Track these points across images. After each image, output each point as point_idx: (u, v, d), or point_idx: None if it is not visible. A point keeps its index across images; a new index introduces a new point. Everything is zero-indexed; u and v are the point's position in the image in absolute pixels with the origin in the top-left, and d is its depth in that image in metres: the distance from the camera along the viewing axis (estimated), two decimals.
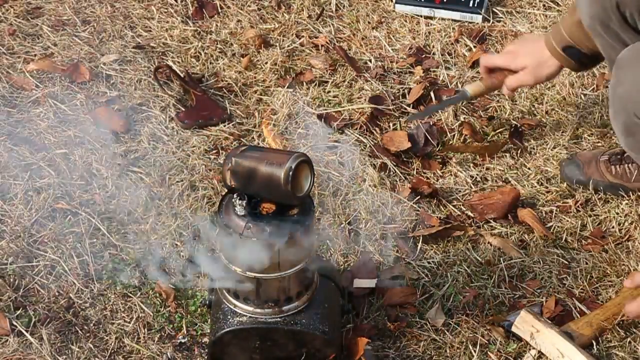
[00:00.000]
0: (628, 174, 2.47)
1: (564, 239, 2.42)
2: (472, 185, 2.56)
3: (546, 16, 3.17)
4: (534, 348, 2.11)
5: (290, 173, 1.77)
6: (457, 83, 2.90)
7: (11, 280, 2.26)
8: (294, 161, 1.78)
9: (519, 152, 2.66)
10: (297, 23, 3.12)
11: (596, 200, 2.51)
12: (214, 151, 2.64)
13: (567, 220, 2.46)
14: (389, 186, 2.53)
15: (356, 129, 2.72)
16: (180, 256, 2.31)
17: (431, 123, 2.72)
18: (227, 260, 1.90)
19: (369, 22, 3.12)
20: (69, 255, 2.32)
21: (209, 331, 2.09)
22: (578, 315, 2.21)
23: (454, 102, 2.71)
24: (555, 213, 2.48)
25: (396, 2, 3.18)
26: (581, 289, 2.29)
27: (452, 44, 3.07)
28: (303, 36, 3.07)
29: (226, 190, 1.91)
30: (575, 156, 2.56)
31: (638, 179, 2.48)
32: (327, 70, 2.93)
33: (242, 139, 2.66)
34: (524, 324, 2.11)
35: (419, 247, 2.37)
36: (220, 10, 3.19)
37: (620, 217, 2.47)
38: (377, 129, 2.73)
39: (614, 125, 2.14)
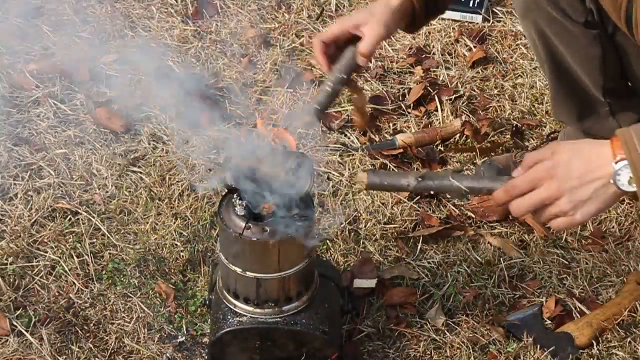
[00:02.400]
0: None
1: (564, 239, 2.42)
2: None
3: None
4: None
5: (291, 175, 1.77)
6: (457, 83, 2.90)
7: (11, 280, 2.26)
8: (295, 164, 1.77)
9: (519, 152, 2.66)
10: (297, 23, 3.12)
11: None
12: (214, 151, 2.64)
13: None
14: None
15: (355, 129, 2.72)
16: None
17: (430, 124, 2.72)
18: (227, 260, 1.90)
19: None
20: (69, 255, 2.32)
21: (209, 331, 2.09)
22: (578, 315, 2.21)
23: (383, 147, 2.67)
24: None
25: None
26: (581, 289, 2.29)
27: (452, 44, 3.07)
28: (303, 36, 3.07)
29: (226, 190, 1.91)
30: (493, 160, 2.54)
31: None
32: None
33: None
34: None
35: (419, 247, 2.37)
36: (220, 10, 3.19)
37: (620, 217, 2.47)
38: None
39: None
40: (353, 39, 1.99)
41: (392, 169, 2.58)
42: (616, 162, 1.57)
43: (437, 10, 2.09)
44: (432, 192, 2.47)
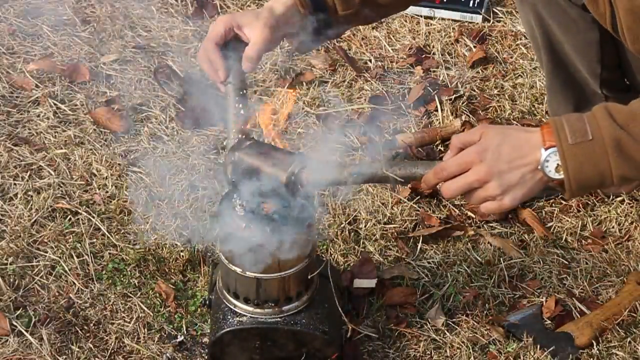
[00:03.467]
0: None
1: (564, 239, 2.42)
2: None
3: None
4: None
5: (293, 178, 1.76)
6: (457, 83, 2.90)
7: (11, 280, 2.26)
8: (298, 166, 1.76)
9: None
10: None
11: (596, 200, 2.51)
12: (214, 151, 2.64)
13: (567, 220, 2.46)
14: (389, 186, 2.53)
15: (355, 129, 2.72)
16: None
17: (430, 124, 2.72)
18: (227, 260, 1.90)
19: None
20: (69, 255, 2.32)
21: (209, 331, 2.09)
22: (578, 315, 2.21)
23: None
24: (556, 213, 2.48)
25: None
26: (581, 289, 2.29)
27: (452, 44, 3.07)
28: None
29: (226, 190, 1.91)
30: None
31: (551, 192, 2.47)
32: (327, 70, 2.93)
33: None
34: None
35: (419, 247, 2.37)
36: (220, 10, 3.19)
37: (621, 217, 2.47)
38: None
39: None
40: (229, 43, 1.89)
41: None
42: (545, 149, 1.59)
43: (330, 32, 1.96)
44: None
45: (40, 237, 2.37)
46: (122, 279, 2.28)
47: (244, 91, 1.88)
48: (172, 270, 2.29)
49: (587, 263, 2.35)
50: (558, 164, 1.58)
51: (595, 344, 2.14)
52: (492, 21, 3.17)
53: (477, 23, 3.16)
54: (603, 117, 1.58)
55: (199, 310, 2.20)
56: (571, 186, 1.59)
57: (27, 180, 2.52)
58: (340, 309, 2.02)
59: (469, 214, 2.47)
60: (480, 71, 2.97)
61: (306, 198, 1.85)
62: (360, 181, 1.73)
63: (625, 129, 1.57)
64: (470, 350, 2.12)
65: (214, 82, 1.90)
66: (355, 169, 1.71)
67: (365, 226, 2.42)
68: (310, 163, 1.77)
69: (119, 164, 2.57)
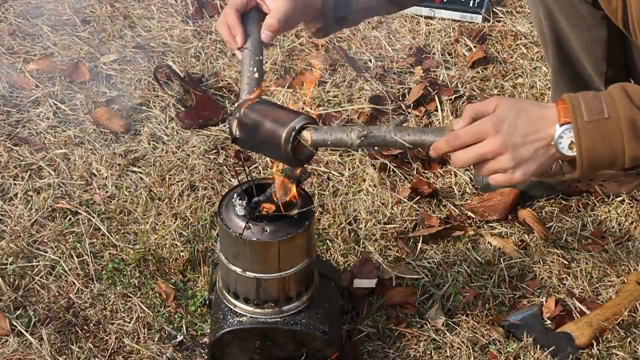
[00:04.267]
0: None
1: (564, 239, 2.42)
2: (472, 187, 2.55)
3: None
4: None
5: (293, 133, 1.70)
6: (457, 83, 2.90)
7: (11, 280, 2.26)
8: (300, 122, 1.71)
9: None
10: None
11: (596, 200, 2.51)
12: (214, 151, 2.64)
13: (567, 220, 2.46)
14: (389, 186, 2.53)
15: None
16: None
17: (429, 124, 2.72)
18: (227, 260, 1.90)
19: (368, 22, 3.12)
20: (69, 255, 2.32)
21: (209, 331, 2.09)
22: (578, 315, 2.21)
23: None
24: (556, 213, 2.48)
25: None
26: (581, 289, 2.29)
27: (452, 44, 3.08)
28: (303, 36, 3.07)
29: (227, 190, 1.91)
30: None
31: (557, 172, 2.46)
32: (327, 70, 2.93)
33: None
34: None
35: (419, 247, 2.37)
36: (220, 10, 3.19)
37: (621, 217, 2.47)
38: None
39: None
40: (249, 11, 1.87)
41: (392, 169, 2.58)
42: (560, 125, 1.59)
43: (348, 19, 1.99)
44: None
45: (40, 237, 2.37)
46: (122, 279, 2.28)
47: (260, 57, 1.86)
48: (172, 270, 2.29)
49: (587, 263, 2.35)
50: (572, 141, 1.58)
51: (595, 344, 2.14)
52: (492, 21, 3.17)
53: (477, 23, 3.16)
54: (620, 97, 1.58)
55: (199, 310, 2.20)
56: (582, 164, 1.59)
57: (27, 180, 2.52)
58: (340, 309, 2.02)
59: (469, 214, 2.47)
60: (480, 71, 2.97)
61: (308, 159, 1.78)
62: (367, 144, 1.68)
63: None
64: (470, 350, 2.12)
65: (231, 49, 1.89)
66: (362, 131, 1.66)
67: (365, 226, 2.42)
68: (314, 121, 1.73)
69: (119, 164, 2.57)
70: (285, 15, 1.85)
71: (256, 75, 1.84)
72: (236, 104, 1.81)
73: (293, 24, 1.94)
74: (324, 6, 1.92)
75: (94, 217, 2.41)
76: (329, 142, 1.70)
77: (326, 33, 2.02)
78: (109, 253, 2.33)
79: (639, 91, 1.59)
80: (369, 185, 2.53)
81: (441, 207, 2.50)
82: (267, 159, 2.35)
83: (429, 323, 2.19)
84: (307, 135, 1.70)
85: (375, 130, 1.67)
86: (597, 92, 1.61)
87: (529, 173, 1.61)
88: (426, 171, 2.60)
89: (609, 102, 1.58)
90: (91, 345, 2.13)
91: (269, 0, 1.86)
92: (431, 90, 2.85)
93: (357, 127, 1.69)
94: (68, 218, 2.42)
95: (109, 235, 2.37)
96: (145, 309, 2.21)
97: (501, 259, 2.34)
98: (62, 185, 2.52)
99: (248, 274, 1.88)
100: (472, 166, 1.65)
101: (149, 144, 2.66)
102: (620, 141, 1.57)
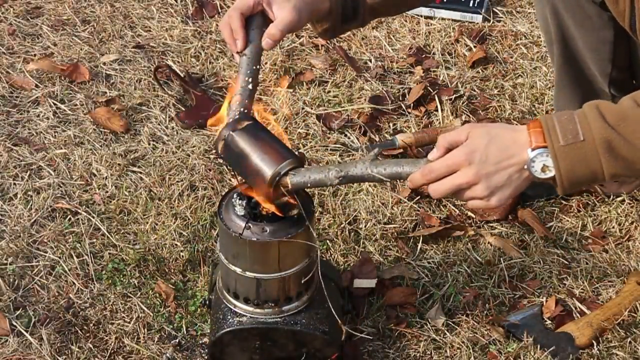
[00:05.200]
0: None
1: (564, 239, 2.41)
2: None
3: None
4: None
5: (277, 178, 1.73)
6: (457, 83, 2.90)
7: (11, 280, 2.26)
8: (286, 167, 1.73)
9: None
10: None
11: (596, 200, 2.51)
12: (214, 151, 2.64)
13: (567, 220, 2.46)
14: (389, 186, 2.53)
15: (355, 129, 2.72)
16: None
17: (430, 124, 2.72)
18: (227, 260, 1.90)
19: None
20: (69, 255, 2.32)
21: (209, 331, 2.08)
22: (578, 315, 2.21)
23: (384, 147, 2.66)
24: (556, 213, 2.48)
25: None
26: (581, 289, 2.29)
27: (452, 44, 3.07)
28: (303, 36, 3.07)
29: (227, 190, 1.91)
30: None
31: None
32: (327, 70, 2.93)
33: None
34: None
35: (419, 247, 2.37)
36: (220, 10, 3.19)
37: (621, 217, 2.47)
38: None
39: None
40: (253, 16, 1.87)
41: None
42: (532, 150, 1.60)
43: (356, 19, 1.99)
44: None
45: (40, 237, 2.37)
46: (122, 279, 2.28)
47: (257, 67, 1.87)
48: (172, 270, 2.29)
49: (587, 263, 2.35)
50: (544, 165, 1.60)
51: (595, 344, 2.14)
52: (492, 21, 3.17)
53: (477, 23, 3.16)
54: (594, 118, 1.59)
55: (199, 310, 2.20)
56: (563, 184, 1.61)
57: (27, 180, 2.52)
58: (340, 308, 2.02)
59: (469, 214, 2.47)
60: (480, 71, 2.97)
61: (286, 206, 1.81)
62: (346, 182, 1.72)
63: (615, 129, 1.58)
64: (470, 351, 2.12)
65: (231, 51, 1.89)
66: (340, 171, 1.70)
67: (365, 226, 2.42)
68: (300, 163, 1.75)
69: (118, 164, 2.57)
70: (289, 26, 1.85)
71: (250, 86, 1.85)
72: (225, 122, 1.81)
73: (296, 30, 1.94)
74: (331, 9, 1.93)
75: (93, 217, 2.41)
76: (309, 185, 1.73)
77: (333, 34, 2.03)
78: (109, 253, 2.33)
79: (612, 110, 1.60)
80: (369, 185, 2.53)
81: (441, 207, 2.50)
82: None
83: (429, 323, 2.19)
84: (286, 180, 1.73)
85: (352, 169, 1.70)
86: (572, 112, 1.62)
87: (504, 198, 1.64)
88: None
89: (584, 123, 1.59)
90: (91, 345, 2.13)
91: (275, 8, 1.86)
92: (431, 90, 2.85)
93: (334, 167, 1.72)
94: (68, 218, 2.42)
95: (109, 235, 2.37)
96: (145, 309, 2.21)
97: (501, 259, 2.34)
98: (62, 185, 2.51)
99: (248, 274, 1.88)
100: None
101: (149, 144, 2.66)
102: (597, 161, 1.59)
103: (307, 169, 1.74)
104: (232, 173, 1.80)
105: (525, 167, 1.61)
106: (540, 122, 1.61)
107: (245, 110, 1.82)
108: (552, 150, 1.58)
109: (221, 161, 1.80)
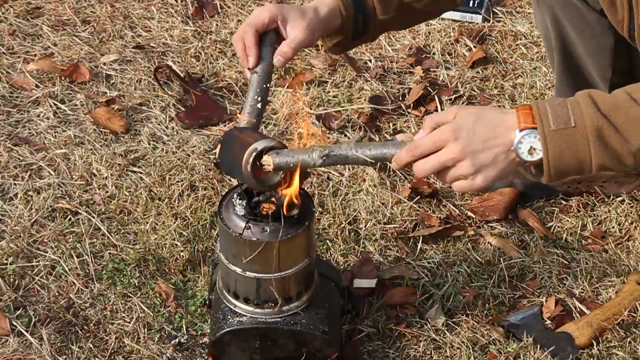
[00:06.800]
0: None
1: (564, 239, 2.42)
2: None
3: None
4: None
5: (254, 154, 1.71)
6: (457, 83, 2.91)
7: (11, 280, 2.26)
8: (262, 144, 1.72)
9: None
10: None
11: (596, 200, 2.51)
12: (214, 151, 2.63)
13: (567, 220, 2.46)
14: (389, 186, 2.53)
15: (355, 129, 2.72)
16: None
17: None
18: (227, 260, 1.90)
19: None
20: (69, 255, 2.32)
21: (209, 331, 2.09)
22: (578, 315, 2.21)
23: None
24: (556, 213, 2.48)
25: None
26: (581, 289, 2.29)
27: (452, 44, 3.08)
28: None
29: (227, 190, 1.91)
30: None
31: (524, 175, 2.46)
32: (327, 70, 2.94)
33: None
34: None
35: (419, 247, 2.37)
36: (220, 10, 3.19)
37: (621, 217, 2.47)
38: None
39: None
40: (267, 33, 1.90)
41: (392, 170, 2.58)
42: (520, 131, 1.59)
43: (367, 34, 2.01)
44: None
45: (40, 237, 2.37)
46: (122, 279, 2.28)
47: (267, 85, 1.89)
48: (172, 270, 2.29)
49: (587, 263, 2.35)
50: (531, 147, 1.58)
51: (595, 344, 2.14)
52: (492, 21, 3.17)
53: (477, 23, 3.16)
54: (587, 105, 1.58)
55: (199, 310, 2.20)
56: (549, 170, 1.60)
57: (27, 180, 2.52)
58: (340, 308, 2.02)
59: (469, 214, 2.47)
60: (480, 71, 2.97)
61: (275, 185, 1.78)
62: (329, 163, 1.69)
63: (607, 118, 1.57)
64: (470, 350, 2.12)
65: (242, 66, 1.91)
66: (324, 151, 1.68)
67: (365, 226, 2.42)
68: (281, 145, 1.73)
69: (119, 164, 2.57)
70: (302, 44, 1.88)
71: (259, 105, 1.86)
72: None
73: (307, 47, 1.99)
74: (343, 25, 1.94)
75: (94, 217, 2.41)
76: (291, 165, 1.71)
77: (343, 49, 2.04)
78: (109, 253, 2.33)
79: (606, 99, 1.60)
80: (369, 185, 2.53)
81: (441, 207, 2.50)
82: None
83: (429, 323, 2.19)
84: (268, 159, 1.71)
85: (337, 149, 1.68)
86: (564, 99, 1.61)
87: (489, 178, 1.62)
88: None
89: (576, 110, 1.58)
90: (91, 345, 2.13)
91: (289, 27, 1.88)
92: (431, 90, 2.85)
93: (318, 147, 1.70)
94: (68, 218, 2.42)
95: (109, 235, 2.37)
96: (145, 309, 2.21)
97: (501, 259, 2.34)
98: (62, 185, 2.52)
99: (248, 274, 1.88)
100: (434, 175, 1.66)
101: (149, 144, 2.66)
102: (586, 150, 1.58)
103: (290, 149, 1.73)
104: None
105: (512, 148, 1.59)
106: (531, 105, 1.60)
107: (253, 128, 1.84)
108: (542, 134, 1.57)
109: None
